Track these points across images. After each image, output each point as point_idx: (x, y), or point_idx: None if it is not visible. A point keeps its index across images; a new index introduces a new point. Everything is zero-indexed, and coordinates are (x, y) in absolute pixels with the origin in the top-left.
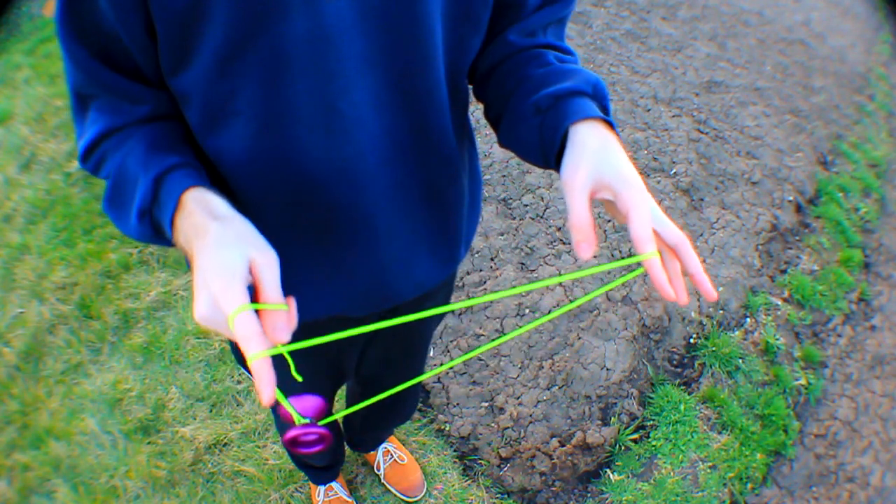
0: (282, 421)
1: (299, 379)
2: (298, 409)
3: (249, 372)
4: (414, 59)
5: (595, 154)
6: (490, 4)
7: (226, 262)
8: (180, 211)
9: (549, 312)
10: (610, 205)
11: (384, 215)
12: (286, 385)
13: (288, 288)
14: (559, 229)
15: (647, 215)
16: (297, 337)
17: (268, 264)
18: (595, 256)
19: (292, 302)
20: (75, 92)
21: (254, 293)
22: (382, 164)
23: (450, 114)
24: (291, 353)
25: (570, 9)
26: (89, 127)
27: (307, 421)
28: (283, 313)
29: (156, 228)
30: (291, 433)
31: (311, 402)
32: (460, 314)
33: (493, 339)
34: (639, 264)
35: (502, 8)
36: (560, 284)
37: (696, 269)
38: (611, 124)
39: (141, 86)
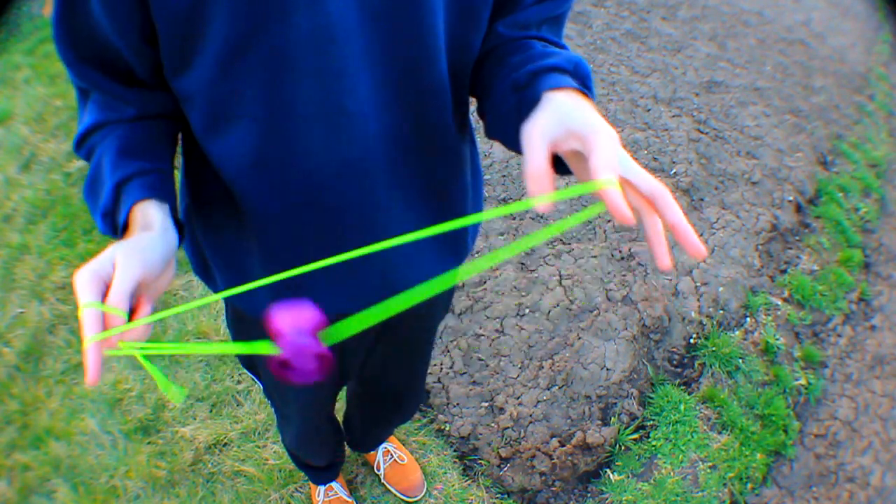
0: (273, 337)
1: (178, 401)
2: (288, 320)
3: (251, 372)
4: (417, 57)
5: (562, 107)
6: (490, 3)
7: (96, 261)
8: (131, 221)
9: (549, 312)
10: (578, 159)
11: (389, 213)
12: None
13: (294, 287)
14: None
15: (612, 153)
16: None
17: (120, 269)
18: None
19: (143, 307)
20: (76, 86)
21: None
22: (386, 162)
23: (452, 111)
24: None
25: (566, 6)
26: (85, 118)
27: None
28: (120, 318)
29: (116, 230)
30: (284, 355)
31: (306, 312)
32: (460, 314)
33: (493, 339)
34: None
35: (499, 4)
36: (560, 284)
37: (677, 219)
38: (589, 97)
39: (129, 89)
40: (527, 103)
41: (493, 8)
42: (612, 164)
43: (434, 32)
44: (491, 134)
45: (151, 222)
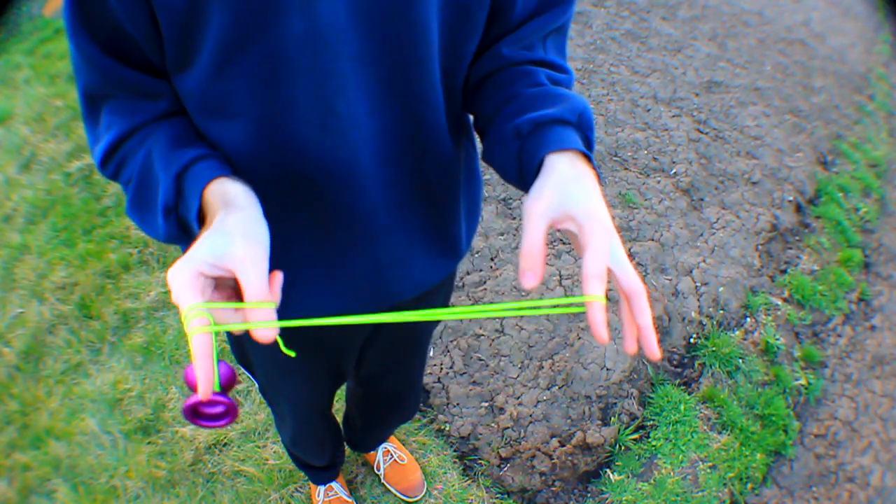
0: (187, 386)
1: (292, 354)
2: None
3: (250, 372)
4: (408, 60)
5: (564, 184)
6: (486, 5)
7: (190, 257)
8: (205, 205)
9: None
10: (574, 238)
11: (380, 215)
12: (275, 366)
13: (286, 288)
14: (559, 229)
15: (604, 252)
16: (295, 334)
17: (247, 259)
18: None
19: (276, 280)
20: (86, 94)
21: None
22: (378, 164)
23: (445, 115)
24: (295, 348)
25: (566, 16)
26: (105, 131)
27: (216, 389)
28: (267, 311)
29: (183, 227)
30: (193, 401)
31: (221, 369)
32: None
33: (493, 339)
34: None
35: (493, 11)
36: (560, 284)
37: (645, 323)
38: (590, 158)
39: (157, 80)
40: (527, 153)
41: (495, 31)
42: (601, 271)
43: (426, 35)
44: (487, 162)
45: (232, 198)
